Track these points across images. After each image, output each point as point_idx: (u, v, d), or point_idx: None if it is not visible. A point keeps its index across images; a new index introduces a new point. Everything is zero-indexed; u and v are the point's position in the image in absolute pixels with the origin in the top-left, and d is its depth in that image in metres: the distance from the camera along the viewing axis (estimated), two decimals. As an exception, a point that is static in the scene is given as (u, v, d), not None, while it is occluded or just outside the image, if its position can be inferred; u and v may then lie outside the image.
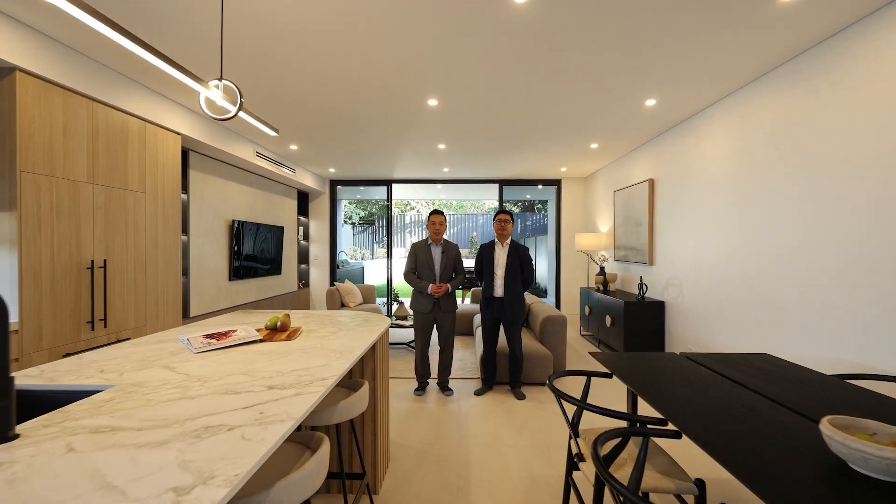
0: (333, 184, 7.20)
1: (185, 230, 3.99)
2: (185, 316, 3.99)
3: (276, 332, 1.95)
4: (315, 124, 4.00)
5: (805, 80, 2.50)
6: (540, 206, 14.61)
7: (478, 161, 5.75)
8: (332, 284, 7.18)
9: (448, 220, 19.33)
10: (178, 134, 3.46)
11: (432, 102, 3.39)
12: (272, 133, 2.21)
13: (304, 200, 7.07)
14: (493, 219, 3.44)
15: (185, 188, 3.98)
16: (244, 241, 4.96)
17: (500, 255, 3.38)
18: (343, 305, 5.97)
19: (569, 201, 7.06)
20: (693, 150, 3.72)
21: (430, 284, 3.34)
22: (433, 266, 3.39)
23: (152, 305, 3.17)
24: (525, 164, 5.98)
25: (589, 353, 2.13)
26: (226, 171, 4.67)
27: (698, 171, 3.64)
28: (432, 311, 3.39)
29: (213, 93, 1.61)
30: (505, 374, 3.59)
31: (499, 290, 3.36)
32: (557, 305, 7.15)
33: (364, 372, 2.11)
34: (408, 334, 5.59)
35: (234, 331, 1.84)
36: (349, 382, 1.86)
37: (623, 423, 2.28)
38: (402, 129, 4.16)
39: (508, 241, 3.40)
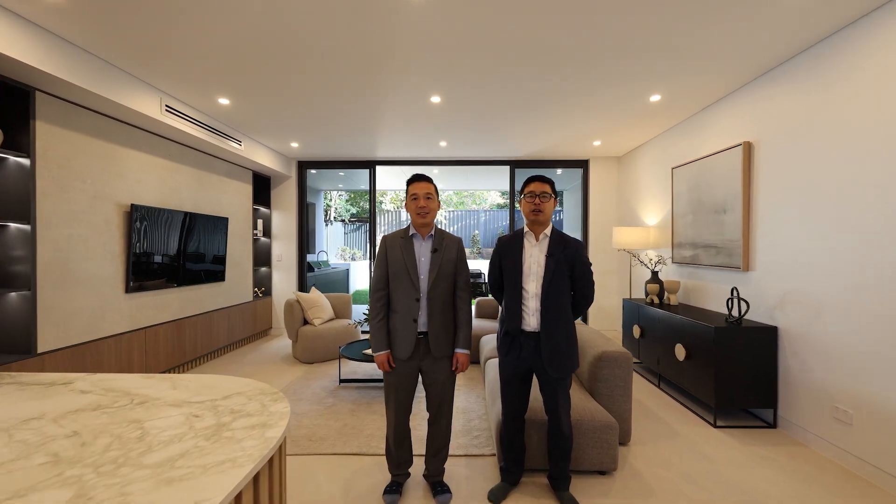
0: (301, 165, 5.73)
1: (27, 217, 2.52)
2: (28, 353, 2.52)
3: None
4: (243, 47, 2.54)
5: None
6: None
7: (484, 132, 4.29)
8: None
9: (447, 218, 17.62)
10: (-22, 48, 2.01)
11: (414, -13, 1.93)
12: None
13: (264, 187, 5.60)
14: (521, 194, 1.97)
15: (22, 148, 2.52)
16: (157, 235, 3.50)
17: (534, 256, 1.88)
18: (306, 322, 4.50)
19: (599, 187, 5.59)
20: (842, 86, 2.26)
21: (379, 354, 1.88)
22: (415, 275, 1.88)
23: None
24: (545, 137, 4.51)
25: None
26: (119, 132, 3.20)
27: (858, 117, 2.18)
28: (415, 357, 1.90)
29: None
30: (538, 455, 2.12)
31: (531, 320, 1.85)
32: (584, 319, 5.69)
33: None
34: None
35: None
36: None
37: None
38: (377, 60, 2.70)
39: (548, 230, 1.91)
